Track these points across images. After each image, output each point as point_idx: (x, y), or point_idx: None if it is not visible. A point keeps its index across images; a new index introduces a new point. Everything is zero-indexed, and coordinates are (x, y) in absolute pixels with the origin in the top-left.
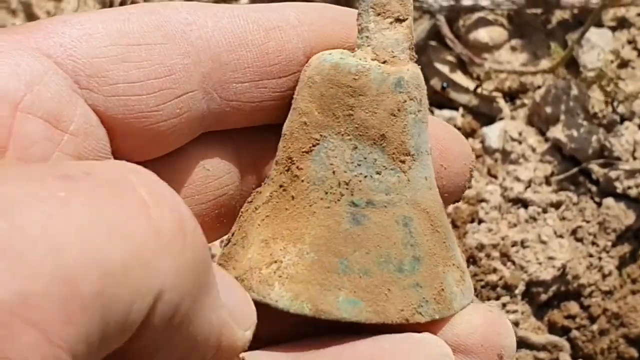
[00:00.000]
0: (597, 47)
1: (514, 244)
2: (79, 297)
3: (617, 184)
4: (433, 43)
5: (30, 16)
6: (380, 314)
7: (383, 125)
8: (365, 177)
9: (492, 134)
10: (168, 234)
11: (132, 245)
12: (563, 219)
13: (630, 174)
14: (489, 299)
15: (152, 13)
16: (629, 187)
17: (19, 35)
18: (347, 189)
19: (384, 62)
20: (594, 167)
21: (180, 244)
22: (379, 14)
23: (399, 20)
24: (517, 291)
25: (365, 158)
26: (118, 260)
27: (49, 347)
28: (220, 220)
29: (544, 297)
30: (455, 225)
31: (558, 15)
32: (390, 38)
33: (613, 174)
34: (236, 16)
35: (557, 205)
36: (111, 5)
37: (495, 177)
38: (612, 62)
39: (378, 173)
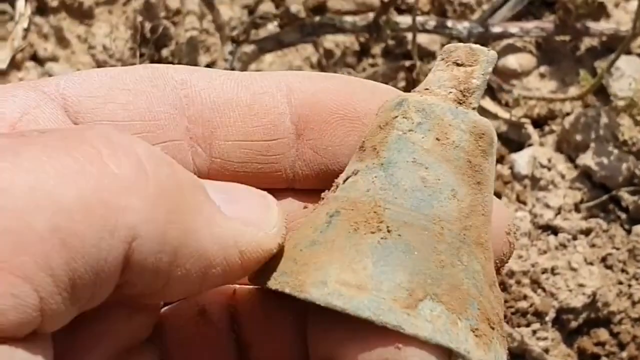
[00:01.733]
0: (627, 74)
1: (544, 271)
2: (32, 230)
3: None
4: None
5: (61, 40)
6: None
7: (371, 135)
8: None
9: (522, 160)
10: (127, 176)
11: (85, 186)
12: (593, 246)
13: None
14: (519, 325)
15: (150, 68)
16: None
17: (25, 82)
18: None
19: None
20: (624, 194)
21: (143, 182)
22: (442, 59)
23: (457, 64)
24: (547, 318)
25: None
26: (72, 198)
27: (1, 274)
28: None
29: (574, 324)
30: None
31: (587, 42)
32: (437, 77)
33: None
34: (229, 79)
35: (587, 232)
36: (142, 31)
37: (524, 203)
38: None
39: (355, 173)
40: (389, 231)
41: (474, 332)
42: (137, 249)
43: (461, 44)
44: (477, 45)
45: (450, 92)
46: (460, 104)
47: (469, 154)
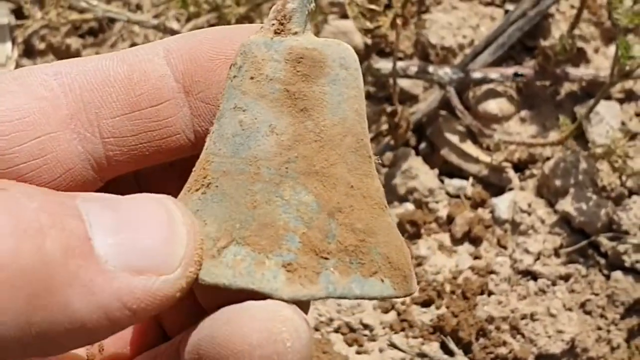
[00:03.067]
0: (606, 120)
1: (524, 317)
2: None
3: (625, 257)
4: (443, 113)
5: None
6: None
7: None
8: None
9: (502, 204)
10: None
11: None
12: (572, 291)
13: (638, 247)
14: None
15: (19, 70)
16: (637, 261)
17: None
18: None
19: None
20: (603, 240)
21: None
22: None
23: None
24: None
25: None
26: None
27: None
28: None
29: None
30: (465, 297)
31: (567, 87)
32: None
33: (621, 247)
34: (104, 59)
35: (566, 277)
36: None
37: (505, 247)
38: (620, 139)
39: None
40: (208, 185)
41: (286, 267)
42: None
43: None
44: None
45: (273, 24)
46: (279, 33)
47: (286, 83)
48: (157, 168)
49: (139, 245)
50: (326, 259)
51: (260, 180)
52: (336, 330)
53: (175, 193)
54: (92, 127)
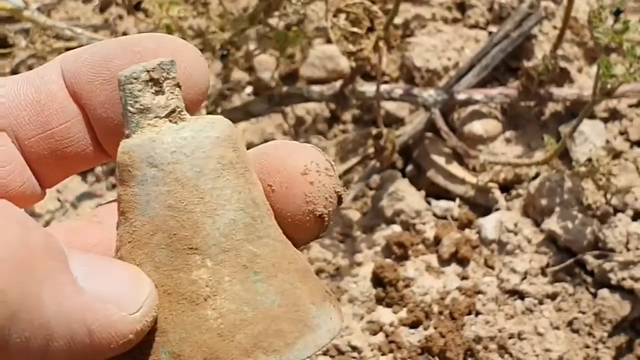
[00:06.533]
0: (590, 139)
1: (511, 336)
2: None
3: (611, 275)
4: (429, 135)
5: None
6: None
7: None
8: None
9: (489, 224)
10: None
11: None
12: (559, 310)
13: (624, 265)
14: None
15: None
16: (623, 279)
17: None
18: None
19: None
20: (589, 258)
21: None
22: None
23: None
24: None
25: None
26: None
27: None
28: None
29: None
30: (452, 317)
31: (551, 107)
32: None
33: (607, 265)
34: (15, 81)
35: (553, 296)
36: None
37: (492, 268)
38: (604, 157)
39: None
40: None
41: None
42: None
43: (146, 65)
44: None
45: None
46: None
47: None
48: None
49: (108, 279)
50: None
51: None
52: (325, 353)
53: None
54: (16, 146)
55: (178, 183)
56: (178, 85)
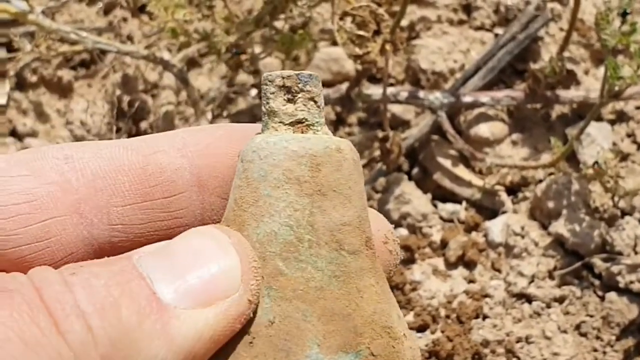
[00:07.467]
0: (597, 141)
1: (519, 340)
2: None
3: (619, 278)
4: (435, 138)
5: (40, 115)
6: None
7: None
8: None
9: (496, 228)
10: (74, 344)
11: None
12: (567, 313)
13: (632, 268)
14: None
15: (31, 152)
16: (631, 282)
17: None
18: None
19: None
20: (597, 261)
21: (91, 347)
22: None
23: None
24: None
25: None
26: None
27: None
28: None
29: None
30: (460, 321)
31: (558, 109)
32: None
33: (615, 268)
34: (118, 146)
35: (560, 299)
36: (120, 105)
37: (499, 271)
38: (612, 159)
39: None
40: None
41: None
42: None
43: (283, 72)
44: (298, 73)
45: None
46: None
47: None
48: None
49: (199, 281)
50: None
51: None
52: None
53: None
54: (100, 213)
55: (246, 181)
56: (313, 100)
